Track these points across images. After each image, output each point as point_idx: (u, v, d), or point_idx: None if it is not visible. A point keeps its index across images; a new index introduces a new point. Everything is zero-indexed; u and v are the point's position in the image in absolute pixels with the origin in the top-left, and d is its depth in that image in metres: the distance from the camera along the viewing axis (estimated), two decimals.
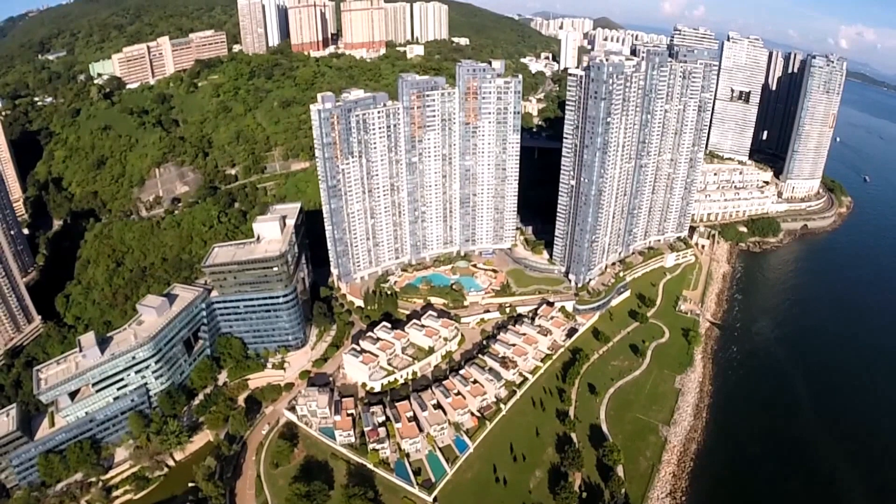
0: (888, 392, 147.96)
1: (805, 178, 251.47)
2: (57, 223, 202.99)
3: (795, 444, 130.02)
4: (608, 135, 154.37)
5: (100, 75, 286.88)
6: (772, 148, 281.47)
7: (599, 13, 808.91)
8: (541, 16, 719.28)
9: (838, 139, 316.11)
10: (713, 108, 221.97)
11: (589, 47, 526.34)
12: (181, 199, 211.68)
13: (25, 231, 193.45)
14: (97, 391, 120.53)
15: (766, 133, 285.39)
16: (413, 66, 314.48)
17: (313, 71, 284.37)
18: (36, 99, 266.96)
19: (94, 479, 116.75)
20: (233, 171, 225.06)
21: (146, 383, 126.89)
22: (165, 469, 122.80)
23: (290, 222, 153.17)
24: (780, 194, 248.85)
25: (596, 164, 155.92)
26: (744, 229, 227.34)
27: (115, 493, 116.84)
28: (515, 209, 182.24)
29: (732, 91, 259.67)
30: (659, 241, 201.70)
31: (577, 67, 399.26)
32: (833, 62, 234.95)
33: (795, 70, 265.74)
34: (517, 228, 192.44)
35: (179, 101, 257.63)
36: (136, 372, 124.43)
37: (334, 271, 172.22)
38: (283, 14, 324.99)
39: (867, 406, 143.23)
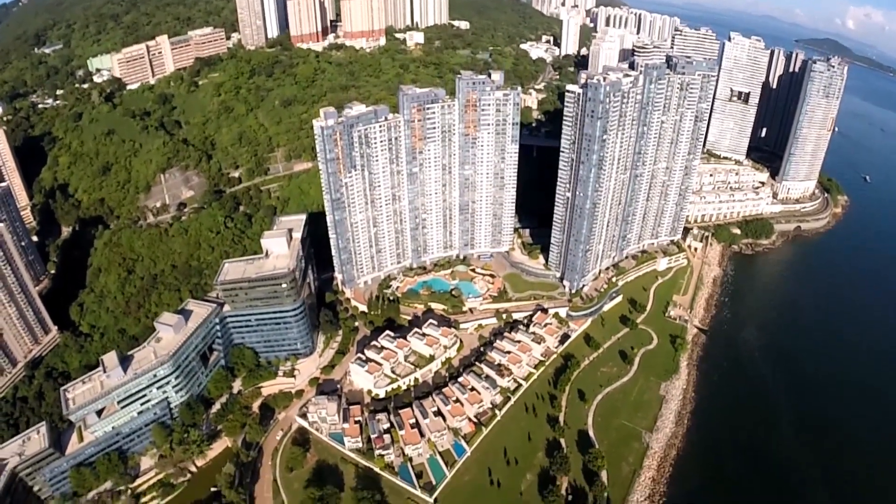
0: (869, 399, 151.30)
1: (801, 179, 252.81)
2: (65, 230, 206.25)
3: (770, 454, 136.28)
4: (604, 151, 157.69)
5: (98, 70, 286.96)
6: (770, 146, 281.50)
7: None
8: None
9: (837, 129, 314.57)
10: (711, 109, 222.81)
11: (591, 25, 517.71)
12: (186, 203, 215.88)
13: (35, 238, 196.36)
14: (122, 407, 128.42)
15: (764, 130, 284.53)
16: (413, 59, 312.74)
17: (314, 68, 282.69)
18: (35, 99, 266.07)
19: (122, 488, 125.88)
20: (236, 174, 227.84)
21: (167, 397, 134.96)
22: (188, 475, 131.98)
23: (297, 235, 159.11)
24: (775, 195, 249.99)
25: (591, 179, 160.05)
26: (737, 231, 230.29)
27: (143, 500, 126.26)
28: (513, 215, 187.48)
29: (732, 91, 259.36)
30: (653, 244, 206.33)
31: (579, 54, 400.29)
32: (834, 67, 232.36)
33: (796, 70, 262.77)
34: (515, 230, 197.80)
35: (181, 101, 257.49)
36: (158, 388, 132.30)
37: (338, 276, 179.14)
38: (281, 5, 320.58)
39: (847, 416, 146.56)
